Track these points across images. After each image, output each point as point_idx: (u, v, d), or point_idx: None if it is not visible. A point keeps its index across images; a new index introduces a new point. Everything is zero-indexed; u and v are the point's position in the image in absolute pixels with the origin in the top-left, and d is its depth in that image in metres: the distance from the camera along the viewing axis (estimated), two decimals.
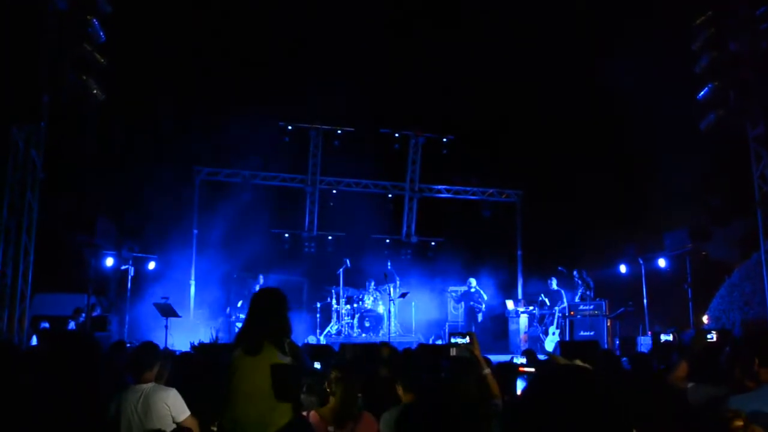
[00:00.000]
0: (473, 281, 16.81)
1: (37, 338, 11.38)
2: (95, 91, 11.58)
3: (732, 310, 14.24)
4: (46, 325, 12.37)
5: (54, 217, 12.57)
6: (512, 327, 16.44)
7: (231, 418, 4.07)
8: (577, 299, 15.17)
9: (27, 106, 10.67)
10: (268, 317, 4.23)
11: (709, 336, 4.67)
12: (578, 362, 4.29)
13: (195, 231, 17.59)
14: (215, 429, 4.56)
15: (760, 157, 12.61)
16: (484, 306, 16.76)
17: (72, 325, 12.63)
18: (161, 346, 11.80)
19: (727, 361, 4.06)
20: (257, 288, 14.16)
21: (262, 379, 4.06)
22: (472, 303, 16.67)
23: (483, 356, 4.50)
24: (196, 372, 5.53)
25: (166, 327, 13.25)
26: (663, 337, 11.28)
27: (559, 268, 15.86)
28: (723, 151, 13.56)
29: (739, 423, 2.90)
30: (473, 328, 15.20)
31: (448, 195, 19.92)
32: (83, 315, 12.75)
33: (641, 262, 15.00)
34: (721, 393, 3.57)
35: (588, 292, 15.17)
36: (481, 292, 16.81)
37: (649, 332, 13.46)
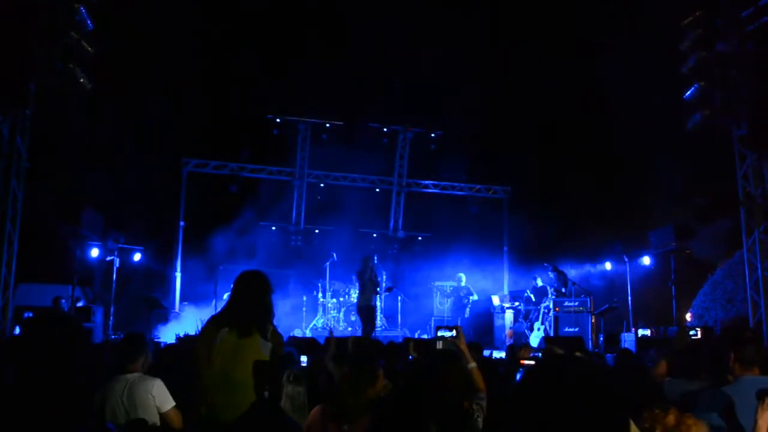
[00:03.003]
0: (463, 277, 16.88)
1: (20, 329, 11.30)
2: (82, 80, 11.48)
3: (714, 307, 14.40)
4: (30, 315, 12.26)
5: (39, 207, 12.47)
6: (498, 323, 16.50)
7: (207, 397, 4.09)
8: (551, 293, 15.24)
9: (12, 93, 10.56)
10: (255, 300, 4.25)
11: (692, 332, 4.74)
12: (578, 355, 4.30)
13: (182, 223, 17.49)
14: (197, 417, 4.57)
15: (743, 157, 12.73)
16: (471, 302, 16.82)
17: None
18: (146, 338, 11.75)
19: (708, 356, 4.13)
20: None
21: (243, 361, 4.11)
22: (460, 298, 16.75)
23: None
24: (180, 362, 5.53)
25: (152, 319, 13.21)
26: (641, 332, 11.47)
27: (545, 264, 15.95)
28: (708, 151, 13.68)
29: (672, 418, 2.92)
30: (459, 323, 15.25)
31: (436, 190, 19.95)
32: (63, 301, 12.66)
33: (626, 259, 15.11)
34: (696, 387, 3.67)
35: (563, 288, 15.23)
36: (470, 288, 16.88)
37: (633, 329, 13.58)
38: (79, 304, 13.37)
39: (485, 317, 17.04)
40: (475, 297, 16.77)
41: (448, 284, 17.43)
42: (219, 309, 4.75)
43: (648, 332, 11.75)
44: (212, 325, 4.34)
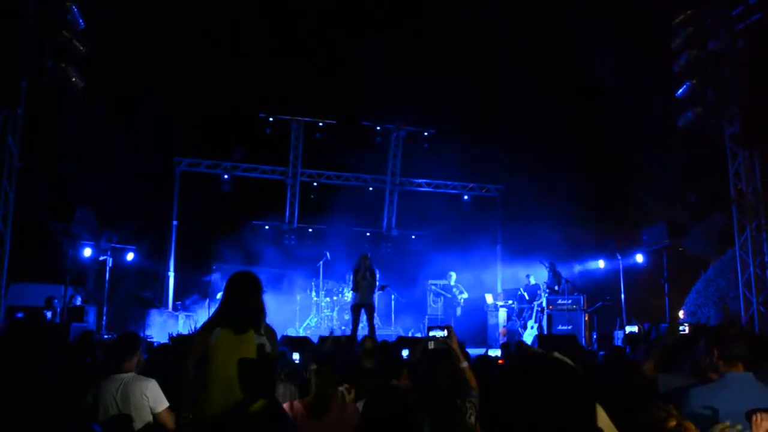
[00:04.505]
0: (453, 275, 16.89)
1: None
2: (74, 79, 11.45)
3: (707, 305, 14.47)
4: (21, 315, 12.23)
5: (31, 206, 12.42)
6: (491, 321, 16.52)
7: (206, 396, 4.09)
8: (544, 291, 15.28)
9: (4, 92, 10.53)
10: (248, 300, 4.28)
11: (681, 328, 4.78)
12: (556, 354, 4.33)
13: (175, 222, 17.46)
14: (190, 416, 4.57)
15: (735, 154, 12.79)
16: (462, 300, 16.84)
17: (49, 315, 12.50)
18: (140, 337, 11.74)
19: (700, 354, 4.17)
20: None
21: (243, 358, 4.15)
22: (452, 297, 16.77)
23: (464, 350, 4.56)
24: (172, 362, 5.52)
25: (145, 318, 13.18)
26: (628, 329, 11.55)
27: (539, 260, 15.99)
28: (701, 149, 13.73)
29: (672, 423, 2.94)
30: (452, 322, 15.25)
31: (429, 189, 19.96)
32: (55, 301, 12.62)
33: (619, 257, 15.15)
34: (688, 383, 3.71)
35: (557, 286, 15.27)
36: (460, 286, 16.89)
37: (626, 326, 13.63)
38: (77, 303, 13.35)
39: (479, 316, 17.07)
40: (465, 295, 16.79)
41: (441, 282, 17.46)
42: (213, 310, 4.78)
43: (635, 329, 11.84)
44: (209, 326, 4.37)
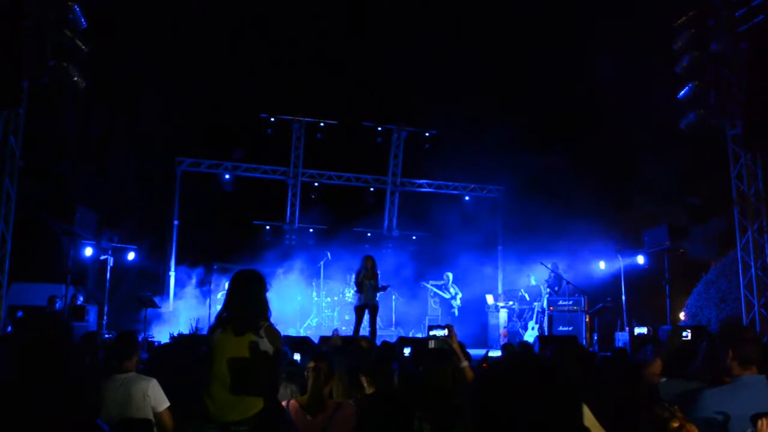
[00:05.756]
0: (449, 276, 16.88)
1: (12, 328, 11.26)
2: (76, 78, 11.45)
3: (708, 306, 14.45)
4: (23, 314, 12.23)
5: (32, 205, 12.42)
6: (492, 322, 16.53)
7: (210, 398, 4.09)
8: (545, 292, 15.27)
9: (6, 91, 10.52)
10: (250, 298, 4.25)
11: (684, 334, 4.73)
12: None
13: (176, 222, 17.45)
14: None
15: (737, 156, 12.78)
16: (458, 300, 16.82)
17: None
18: (140, 337, 11.74)
19: (703, 356, 4.12)
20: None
21: (238, 360, 4.12)
22: (448, 297, 16.78)
23: (464, 351, 4.55)
24: (173, 362, 5.52)
25: (145, 318, 13.17)
26: (637, 330, 11.55)
27: (540, 261, 15.98)
28: (702, 150, 13.72)
29: (675, 424, 2.92)
30: (450, 322, 15.20)
31: (430, 189, 19.95)
32: (58, 302, 12.62)
33: (620, 258, 15.13)
34: (692, 387, 3.64)
35: (557, 287, 15.25)
36: (455, 287, 16.86)
37: (627, 328, 13.60)
38: (78, 302, 13.35)
39: (479, 316, 17.06)
40: (460, 295, 16.78)
41: (437, 283, 17.45)
42: (218, 309, 4.75)
43: (644, 330, 11.81)
44: (212, 327, 4.36)
